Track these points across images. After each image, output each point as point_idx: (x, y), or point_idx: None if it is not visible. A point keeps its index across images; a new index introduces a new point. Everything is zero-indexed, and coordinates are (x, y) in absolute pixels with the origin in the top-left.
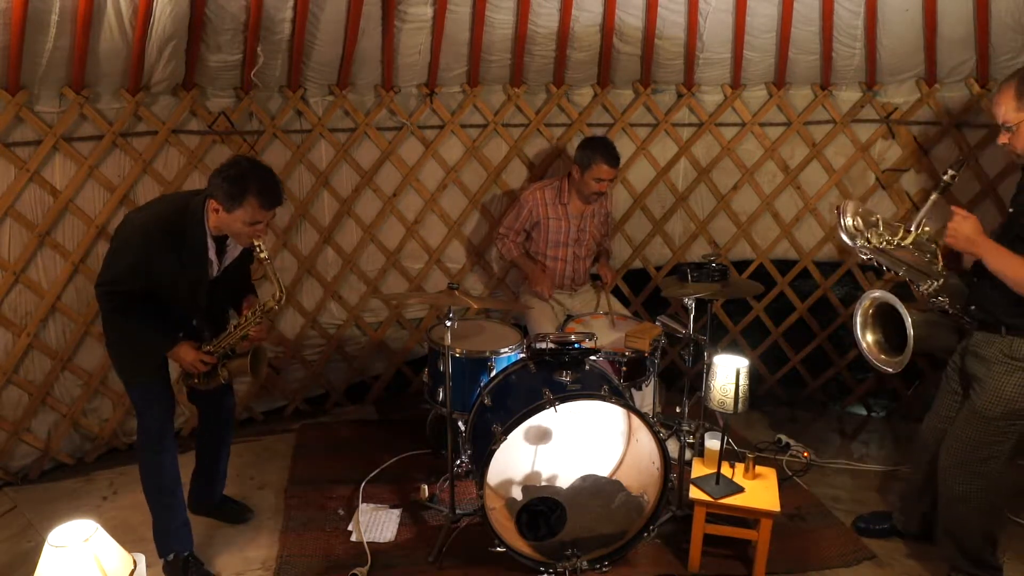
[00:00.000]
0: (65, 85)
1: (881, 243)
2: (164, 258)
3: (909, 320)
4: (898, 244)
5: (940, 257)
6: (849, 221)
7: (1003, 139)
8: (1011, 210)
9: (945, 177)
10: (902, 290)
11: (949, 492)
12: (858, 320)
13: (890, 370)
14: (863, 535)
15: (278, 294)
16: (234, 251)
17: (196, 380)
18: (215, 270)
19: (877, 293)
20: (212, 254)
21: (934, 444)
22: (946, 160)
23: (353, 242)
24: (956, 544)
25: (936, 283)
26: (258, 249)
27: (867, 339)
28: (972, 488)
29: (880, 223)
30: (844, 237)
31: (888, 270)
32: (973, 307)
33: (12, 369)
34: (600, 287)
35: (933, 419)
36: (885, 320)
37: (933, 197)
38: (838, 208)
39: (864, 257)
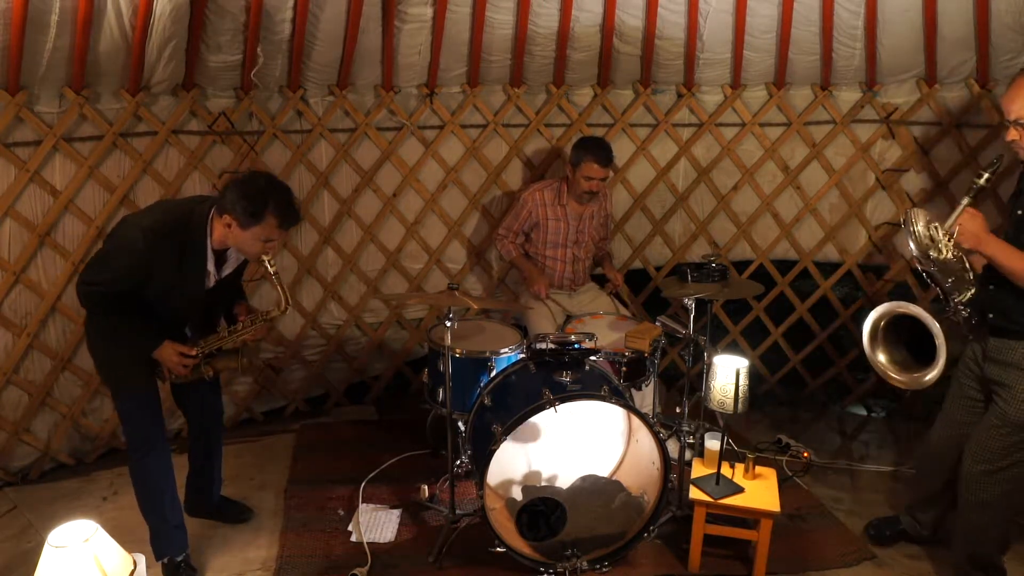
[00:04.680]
0: (65, 85)
1: (948, 253)
2: (164, 265)
3: (937, 328)
4: (955, 253)
5: (968, 264)
6: (921, 229)
7: (1012, 135)
8: (1020, 212)
9: (980, 181)
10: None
11: (973, 498)
12: (867, 335)
13: (909, 387)
14: (875, 542)
15: (284, 304)
16: (232, 263)
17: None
18: (211, 282)
19: (887, 306)
20: (211, 266)
21: (950, 452)
22: (946, 160)
23: (353, 242)
24: (970, 550)
25: (970, 292)
26: (268, 264)
27: (879, 358)
28: (996, 494)
29: (939, 231)
30: (912, 246)
31: (932, 283)
32: (991, 315)
33: (12, 369)
34: (609, 290)
35: (947, 427)
36: (895, 334)
37: (965, 201)
38: (907, 215)
39: (918, 267)
